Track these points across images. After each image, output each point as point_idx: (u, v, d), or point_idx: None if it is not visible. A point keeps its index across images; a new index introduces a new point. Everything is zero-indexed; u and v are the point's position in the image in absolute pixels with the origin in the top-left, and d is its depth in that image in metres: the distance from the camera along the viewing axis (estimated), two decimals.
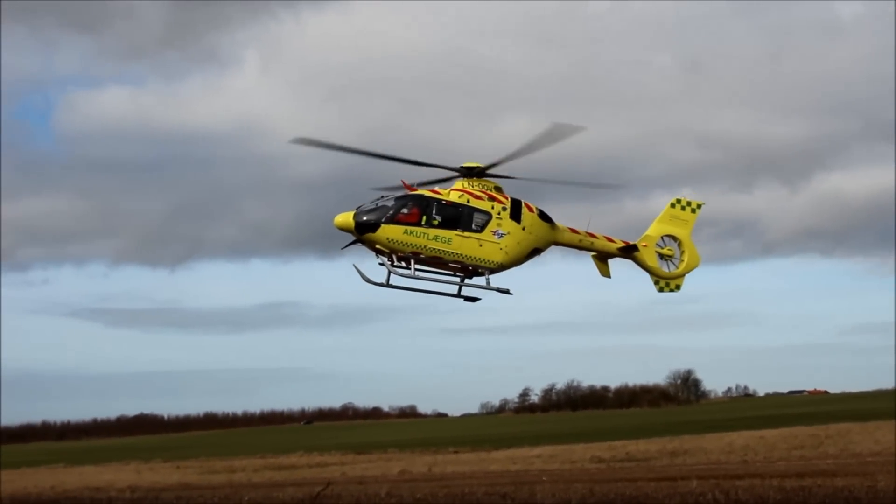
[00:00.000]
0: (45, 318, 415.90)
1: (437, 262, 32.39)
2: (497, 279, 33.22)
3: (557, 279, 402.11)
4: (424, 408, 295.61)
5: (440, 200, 32.58)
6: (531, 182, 34.56)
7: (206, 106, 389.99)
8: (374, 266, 32.19)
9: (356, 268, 32.04)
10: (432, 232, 31.99)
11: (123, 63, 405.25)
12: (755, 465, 78.26)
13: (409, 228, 31.76)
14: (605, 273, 35.45)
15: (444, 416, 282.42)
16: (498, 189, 33.49)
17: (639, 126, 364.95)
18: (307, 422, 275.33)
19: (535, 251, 33.92)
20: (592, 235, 35.11)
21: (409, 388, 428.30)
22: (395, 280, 32.08)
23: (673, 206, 36.50)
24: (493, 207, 33.09)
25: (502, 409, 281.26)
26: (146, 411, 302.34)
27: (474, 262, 32.63)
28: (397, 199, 32.18)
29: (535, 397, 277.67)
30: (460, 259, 32.43)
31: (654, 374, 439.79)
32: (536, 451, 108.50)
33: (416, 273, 32.22)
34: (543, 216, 34.20)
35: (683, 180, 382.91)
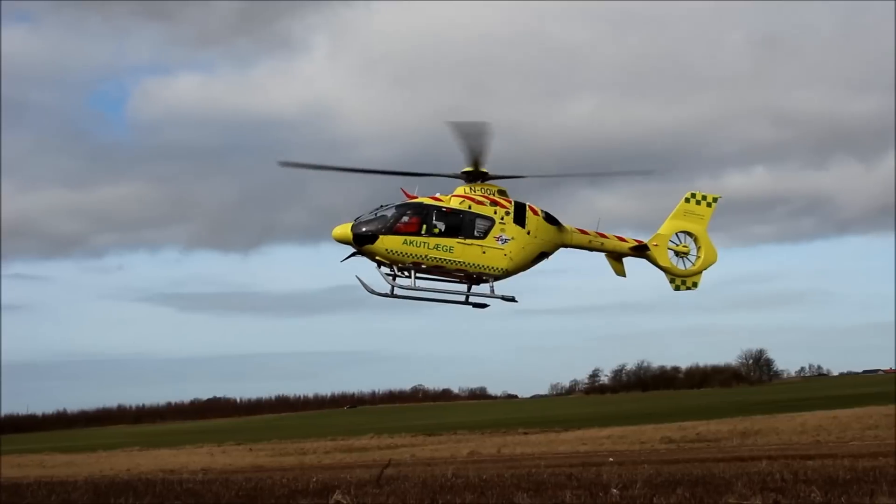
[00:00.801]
0: (120, 303, 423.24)
1: (439, 271, 31.58)
2: (504, 285, 32.41)
3: (627, 260, 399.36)
4: (494, 389, 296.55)
5: (440, 208, 31.74)
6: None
7: (276, 91, 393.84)
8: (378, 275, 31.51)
9: (359, 279, 31.40)
10: (433, 241, 31.18)
11: (195, 50, 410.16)
12: (828, 445, 77.58)
13: (409, 238, 30.98)
14: (620, 272, 34.53)
15: (514, 397, 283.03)
16: (501, 192, 32.46)
17: (712, 105, 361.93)
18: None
19: (541, 255, 32.97)
20: (603, 235, 34.19)
21: (479, 370, 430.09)
22: (400, 290, 31.42)
23: (687, 200, 35.25)
24: (495, 212, 32.12)
25: (572, 390, 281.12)
26: (219, 395, 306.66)
27: (478, 270, 31.77)
28: (397, 207, 31.34)
29: (604, 378, 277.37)
30: (463, 267, 31.62)
31: (726, 354, 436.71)
32: (606, 431, 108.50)
33: (421, 282, 31.44)
34: (549, 218, 33.20)
35: (757, 158, 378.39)
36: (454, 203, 31.83)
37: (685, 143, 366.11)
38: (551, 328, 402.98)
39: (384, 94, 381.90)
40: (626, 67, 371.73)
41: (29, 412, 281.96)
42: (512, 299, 32.18)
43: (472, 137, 30.42)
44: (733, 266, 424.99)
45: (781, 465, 46.76)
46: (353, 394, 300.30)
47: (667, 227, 34.83)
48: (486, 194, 32.34)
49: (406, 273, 31.33)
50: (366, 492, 31.54)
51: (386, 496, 30.27)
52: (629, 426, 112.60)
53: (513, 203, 32.47)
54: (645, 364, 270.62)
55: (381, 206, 31.69)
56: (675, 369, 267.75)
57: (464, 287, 32.44)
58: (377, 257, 31.21)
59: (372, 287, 31.47)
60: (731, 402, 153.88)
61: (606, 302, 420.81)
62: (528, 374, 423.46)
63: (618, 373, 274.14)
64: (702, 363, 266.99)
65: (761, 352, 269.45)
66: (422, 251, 31.08)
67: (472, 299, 32.46)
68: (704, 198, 35.30)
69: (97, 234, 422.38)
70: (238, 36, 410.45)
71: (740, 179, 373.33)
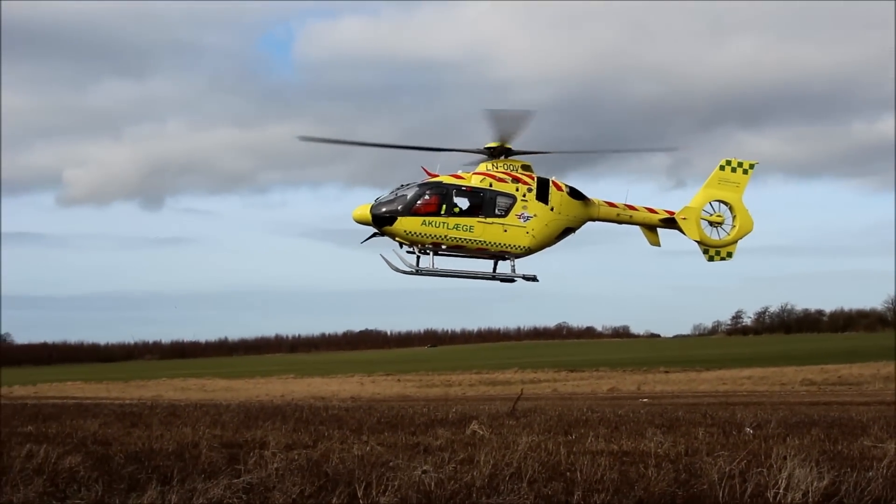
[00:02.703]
0: (281, 238, 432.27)
1: (460, 250, 31.27)
2: (526, 263, 31.89)
3: (776, 202, 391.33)
4: (637, 328, 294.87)
5: (460, 187, 31.13)
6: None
7: (439, 34, 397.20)
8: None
9: (383, 257, 31.16)
10: (452, 220, 30.67)
11: None
12: None
13: (428, 219, 30.49)
14: (655, 242, 33.54)
15: (657, 336, 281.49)
16: (526, 168, 31.75)
17: (871, 46, 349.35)
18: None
19: (567, 230, 32.31)
20: (632, 208, 33.11)
21: (622, 309, 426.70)
22: (425, 268, 31.25)
23: (722, 168, 33.68)
24: (517, 189, 31.38)
25: (715, 330, 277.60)
26: (371, 327, 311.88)
27: (500, 249, 31.31)
28: (418, 187, 30.90)
29: (747, 320, 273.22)
30: (484, 246, 31.18)
31: (872, 298, 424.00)
32: (747, 372, 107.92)
33: (446, 259, 31.24)
34: (574, 193, 32.39)
35: None
36: (475, 181, 31.28)
37: (842, 84, 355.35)
38: (695, 269, 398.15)
39: (544, 37, 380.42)
40: (784, 7, 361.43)
41: (194, 339, 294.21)
42: (533, 278, 31.75)
43: (508, 123, 30.02)
44: (887, 210, 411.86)
45: None
46: (499, 329, 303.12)
47: (699, 198, 33.67)
48: (508, 171, 31.64)
49: (428, 252, 31.07)
50: (501, 423, 33.14)
51: (521, 427, 31.83)
52: (770, 367, 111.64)
53: (536, 179, 31.78)
54: (789, 307, 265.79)
55: (402, 186, 31.31)
56: (820, 312, 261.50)
57: (488, 263, 32.17)
58: (397, 238, 31.09)
59: (397, 266, 31.24)
60: (876, 346, 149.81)
61: (752, 244, 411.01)
62: (671, 315, 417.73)
63: (761, 315, 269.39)
64: (846, 307, 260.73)
65: None
66: (441, 231, 30.75)
67: (507, 273, 32.06)
68: (740, 164, 33.69)
69: (263, 171, 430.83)
70: None
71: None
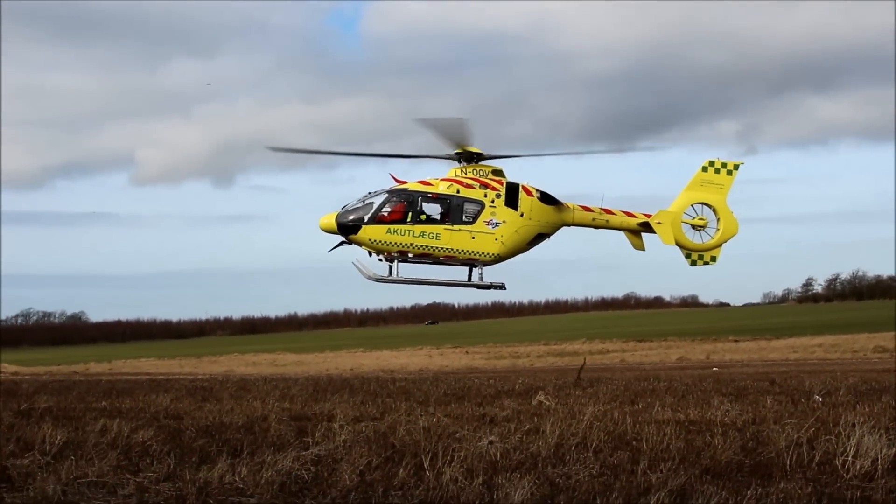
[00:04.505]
0: None
1: (428, 258, 30.72)
2: (494, 271, 31.08)
3: (848, 167, 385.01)
4: (706, 297, 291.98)
5: (426, 193, 30.57)
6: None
7: (502, 5, 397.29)
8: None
9: (355, 265, 30.85)
10: (418, 228, 30.19)
11: None
12: None
13: (393, 227, 30.11)
14: (638, 246, 32.26)
15: (726, 305, 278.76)
16: (496, 172, 31.07)
17: None
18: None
19: (539, 236, 31.39)
20: (608, 212, 32.00)
21: (691, 278, 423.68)
22: (397, 275, 30.81)
23: (705, 169, 32.15)
24: (485, 195, 30.71)
25: (785, 298, 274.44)
26: (438, 300, 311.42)
27: (468, 256, 30.61)
28: (385, 193, 30.52)
29: (818, 287, 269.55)
30: (452, 254, 30.54)
31: None
32: (818, 340, 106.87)
33: (416, 266, 30.76)
34: (546, 198, 31.37)
35: None
36: (442, 187, 30.66)
37: None
38: (764, 237, 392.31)
39: (608, 6, 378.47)
40: None
41: (263, 315, 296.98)
42: (501, 287, 31.20)
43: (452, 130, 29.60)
44: None
45: None
46: (567, 300, 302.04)
47: (680, 202, 32.18)
48: (476, 176, 31.01)
49: (399, 260, 30.65)
50: (567, 393, 33.25)
51: (588, 397, 31.91)
52: (842, 335, 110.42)
53: (505, 184, 31.07)
54: (860, 273, 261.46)
55: (370, 193, 30.93)
56: (892, 278, 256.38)
57: (463, 270, 31.51)
58: (363, 246, 30.79)
59: (369, 273, 30.87)
60: None
61: (823, 210, 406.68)
62: (741, 283, 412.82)
63: (832, 282, 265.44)
64: None
65: None
66: (406, 239, 30.35)
67: (474, 281, 31.33)
68: (724, 165, 32.27)
69: (331, 147, 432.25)
70: None
71: None
